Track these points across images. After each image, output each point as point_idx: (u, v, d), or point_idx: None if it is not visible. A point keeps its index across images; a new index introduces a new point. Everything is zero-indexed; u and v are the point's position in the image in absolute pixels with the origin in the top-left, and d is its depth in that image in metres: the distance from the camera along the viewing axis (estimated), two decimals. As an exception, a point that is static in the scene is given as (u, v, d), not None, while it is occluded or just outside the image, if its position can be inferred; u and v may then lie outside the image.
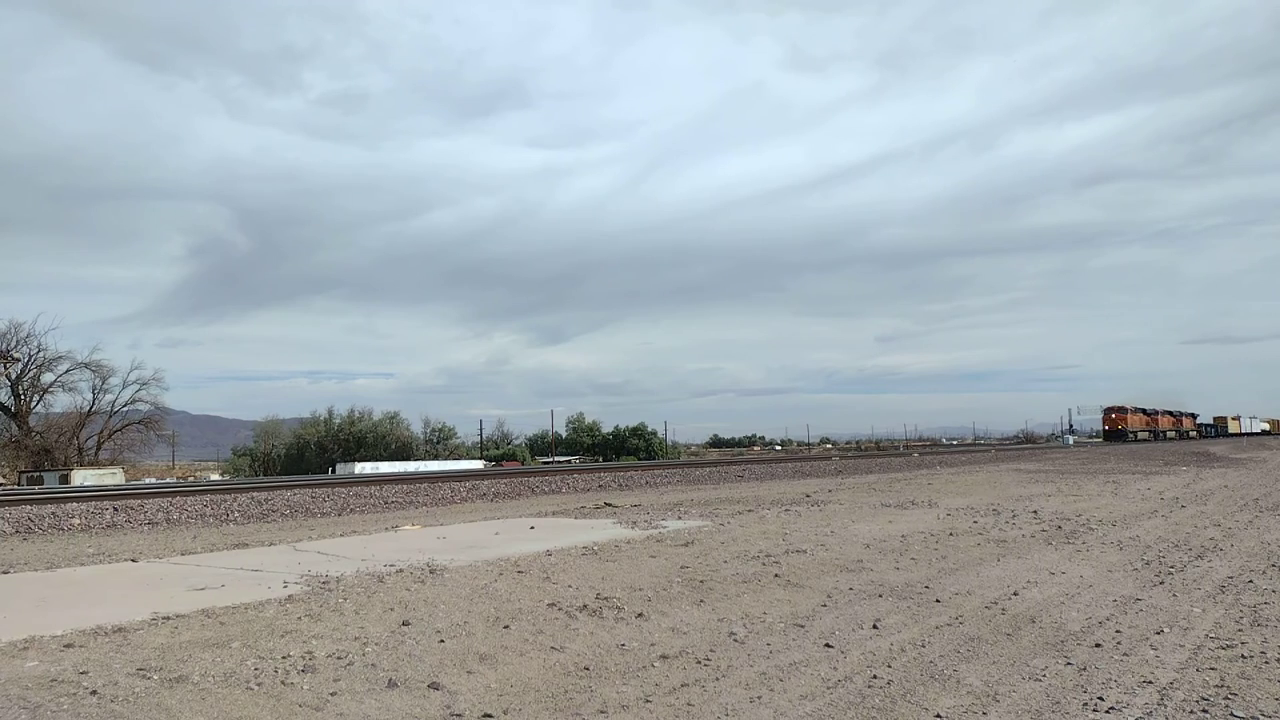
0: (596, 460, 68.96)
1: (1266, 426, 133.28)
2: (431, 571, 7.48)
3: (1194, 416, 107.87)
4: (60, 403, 50.48)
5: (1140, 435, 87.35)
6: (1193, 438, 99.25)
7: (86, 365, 50.28)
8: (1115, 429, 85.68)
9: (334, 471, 46.38)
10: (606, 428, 79.90)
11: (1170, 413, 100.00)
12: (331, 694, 4.09)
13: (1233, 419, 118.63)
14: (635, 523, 11.77)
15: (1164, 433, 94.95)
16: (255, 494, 18.63)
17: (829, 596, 6.51)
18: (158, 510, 15.09)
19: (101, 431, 51.46)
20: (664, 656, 4.84)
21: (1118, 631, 5.47)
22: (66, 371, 49.88)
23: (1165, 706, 4.02)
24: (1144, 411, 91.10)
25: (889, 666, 4.67)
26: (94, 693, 4.03)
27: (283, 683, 4.23)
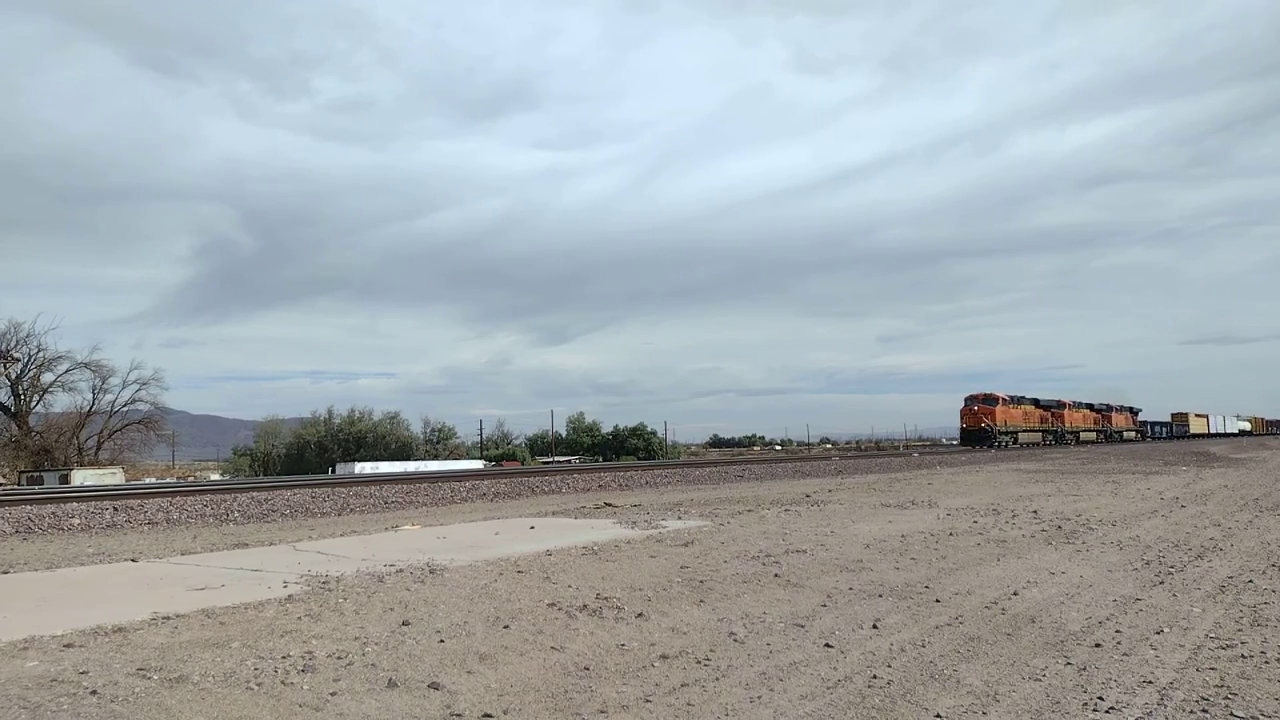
0: (596, 460, 68.95)
1: (1247, 426, 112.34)
2: (431, 571, 7.48)
3: (1133, 413, 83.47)
4: (60, 403, 50.73)
5: (1023, 436, 59.39)
6: (1129, 439, 76.72)
7: (86, 365, 50.48)
8: (976, 427, 56.07)
9: (334, 471, 46.39)
10: (606, 428, 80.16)
11: (1091, 406, 73.43)
12: (331, 694, 4.09)
13: (1196, 416, 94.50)
14: (635, 523, 11.77)
15: (1072, 433, 67.14)
16: (255, 494, 18.62)
17: (829, 596, 6.51)
18: (158, 510, 15.08)
19: (101, 431, 51.57)
20: (664, 656, 4.83)
21: (1118, 631, 5.47)
22: (66, 371, 50.10)
23: (1165, 706, 4.02)
24: (1037, 403, 63.34)
25: (889, 666, 4.67)
26: (94, 692, 4.03)
27: (283, 683, 4.23)
